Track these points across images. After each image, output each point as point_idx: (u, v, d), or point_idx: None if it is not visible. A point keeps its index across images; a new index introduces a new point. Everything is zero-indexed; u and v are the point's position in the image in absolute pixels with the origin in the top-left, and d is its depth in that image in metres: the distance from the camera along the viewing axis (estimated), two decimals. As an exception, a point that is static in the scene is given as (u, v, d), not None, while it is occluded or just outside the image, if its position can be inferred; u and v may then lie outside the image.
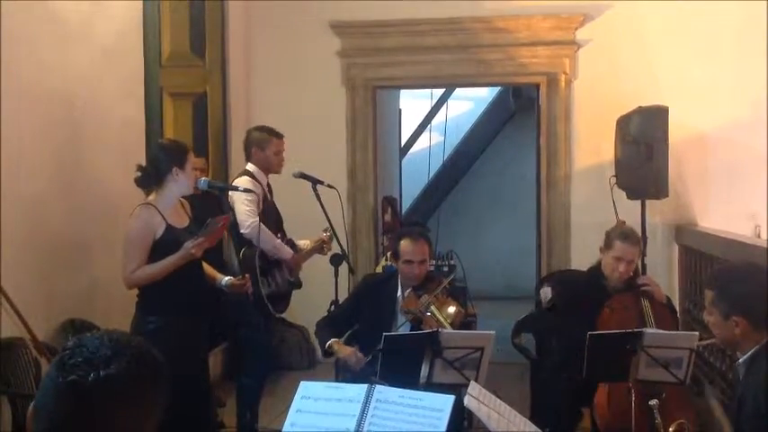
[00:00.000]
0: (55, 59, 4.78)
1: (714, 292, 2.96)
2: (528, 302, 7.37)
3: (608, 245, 4.43)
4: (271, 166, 5.16)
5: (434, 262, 6.11)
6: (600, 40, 6.90)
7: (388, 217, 7.76)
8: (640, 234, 6.02)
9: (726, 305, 2.89)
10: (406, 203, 10.91)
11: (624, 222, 5.16)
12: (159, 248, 3.90)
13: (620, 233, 4.47)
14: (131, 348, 1.46)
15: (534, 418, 4.44)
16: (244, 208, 4.83)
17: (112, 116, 5.38)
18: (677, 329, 4.58)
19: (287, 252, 5.06)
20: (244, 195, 4.84)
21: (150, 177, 3.99)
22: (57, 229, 4.76)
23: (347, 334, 4.44)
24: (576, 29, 6.94)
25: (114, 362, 1.42)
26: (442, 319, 4.02)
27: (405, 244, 4.31)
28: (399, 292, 4.34)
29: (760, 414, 2.71)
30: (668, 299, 4.59)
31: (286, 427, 2.32)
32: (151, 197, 3.97)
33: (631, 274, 4.45)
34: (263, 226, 4.81)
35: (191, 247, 3.87)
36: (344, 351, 4.13)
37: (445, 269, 6.03)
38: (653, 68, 6.77)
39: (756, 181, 6.55)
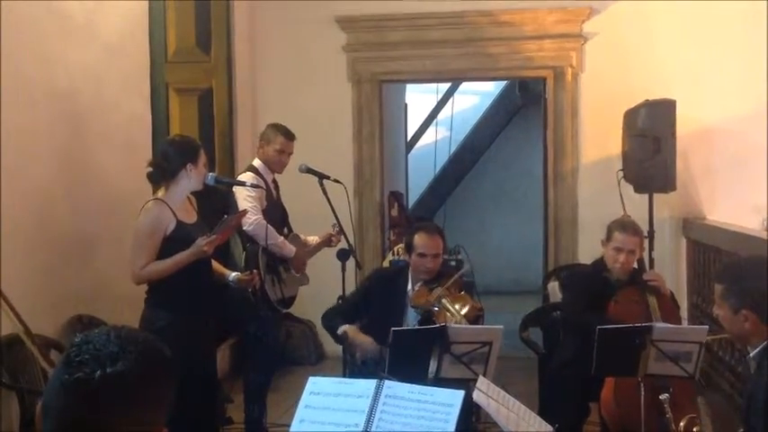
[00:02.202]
0: (59, 55, 4.78)
1: (723, 286, 2.94)
2: (535, 297, 7.37)
3: (608, 237, 4.47)
4: (271, 164, 5.14)
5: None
6: (607, 33, 6.86)
7: (394, 212, 7.76)
8: (648, 228, 6.04)
9: (735, 299, 2.88)
10: (413, 198, 10.90)
11: (628, 215, 5.14)
12: (169, 244, 3.88)
13: (618, 224, 4.51)
14: (138, 344, 1.45)
15: (543, 412, 4.44)
16: (246, 204, 4.81)
17: (118, 112, 5.38)
18: (680, 323, 4.58)
19: (289, 249, 5.04)
20: (246, 192, 4.83)
21: (163, 173, 3.97)
22: (62, 225, 4.76)
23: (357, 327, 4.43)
24: (583, 22, 6.91)
25: (121, 358, 1.41)
26: (453, 311, 3.99)
27: (420, 237, 4.30)
28: (410, 286, 4.34)
29: (771, 408, 2.70)
30: (671, 293, 4.58)
31: (295, 422, 2.31)
32: (161, 193, 3.96)
33: (634, 265, 4.45)
34: (265, 223, 4.80)
35: (203, 244, 3.86)
36: (361, 337, 4.13)
37: (452, 264, 6.01)
38: (660, 62, 6.74)
39: (764, 174, 6.52)
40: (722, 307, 2.94)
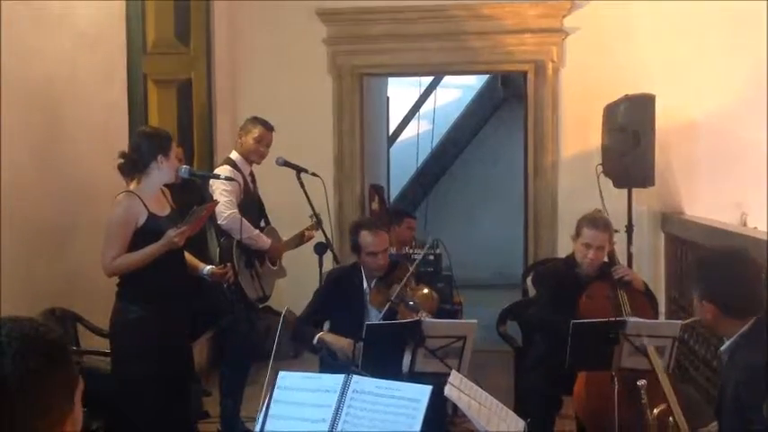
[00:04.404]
0: (35, 45, 4.73)
1: (691, 278, 2.97)
2: (518, 290, 7.37)
3: (577, 232, 4.46)
4: (249, 154, 5.11)
5: (418, 250, 6.08)
6: (587, 27, 6.86)
7: (375, 205, 7.73)
8: (626, 222, 6.05)
9: (698, 290, 2.90)
10: (395, 192, 10.89)
11: (598, 210, 5.11)
12: (141, 237, 3.87)
13: (587, 220, 4.47)
14: (20, 341, 1.37)
15: (518, 406, 4.44)
16: (222, 198, 4.79)
17: (94, 102, 5.33)
18: (656, 316, 4.58)
19: (265, 242, 5.02)
20: (222, 185, 4.80)
21: (134, 165, 3.95)
22: (37, 216, 4.71)
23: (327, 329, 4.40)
24: (564, 17, 6.91)
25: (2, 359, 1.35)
26: (419, 307, 3.96)
27: (365, 235, 4.22)
28: (365, 285, 4.28)
29: (740, 403, 2.71)
30: (646, 285, 4.58)
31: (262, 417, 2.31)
32: (133, 185, 3.94)
33: (604, 260, 4.44)
34: (240, 217, 4.78)
35: (173, 235, 3.85)
36: (341, 341, 4.05)
37: (431, 258, 6.01)
38: (640, 57, 6.75)
39: (743, 169, 6.55)
40: (693, 298, 2.97)
